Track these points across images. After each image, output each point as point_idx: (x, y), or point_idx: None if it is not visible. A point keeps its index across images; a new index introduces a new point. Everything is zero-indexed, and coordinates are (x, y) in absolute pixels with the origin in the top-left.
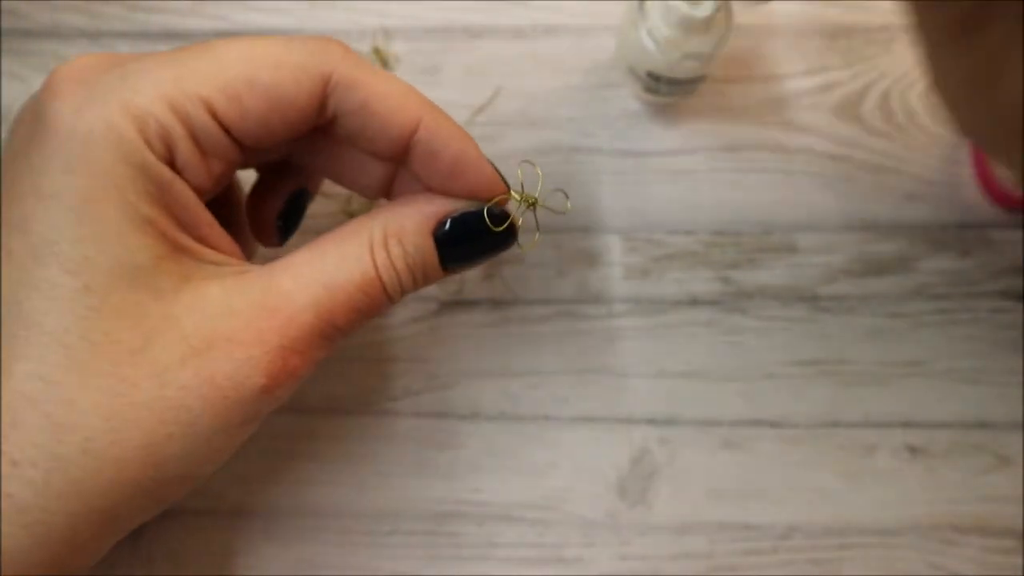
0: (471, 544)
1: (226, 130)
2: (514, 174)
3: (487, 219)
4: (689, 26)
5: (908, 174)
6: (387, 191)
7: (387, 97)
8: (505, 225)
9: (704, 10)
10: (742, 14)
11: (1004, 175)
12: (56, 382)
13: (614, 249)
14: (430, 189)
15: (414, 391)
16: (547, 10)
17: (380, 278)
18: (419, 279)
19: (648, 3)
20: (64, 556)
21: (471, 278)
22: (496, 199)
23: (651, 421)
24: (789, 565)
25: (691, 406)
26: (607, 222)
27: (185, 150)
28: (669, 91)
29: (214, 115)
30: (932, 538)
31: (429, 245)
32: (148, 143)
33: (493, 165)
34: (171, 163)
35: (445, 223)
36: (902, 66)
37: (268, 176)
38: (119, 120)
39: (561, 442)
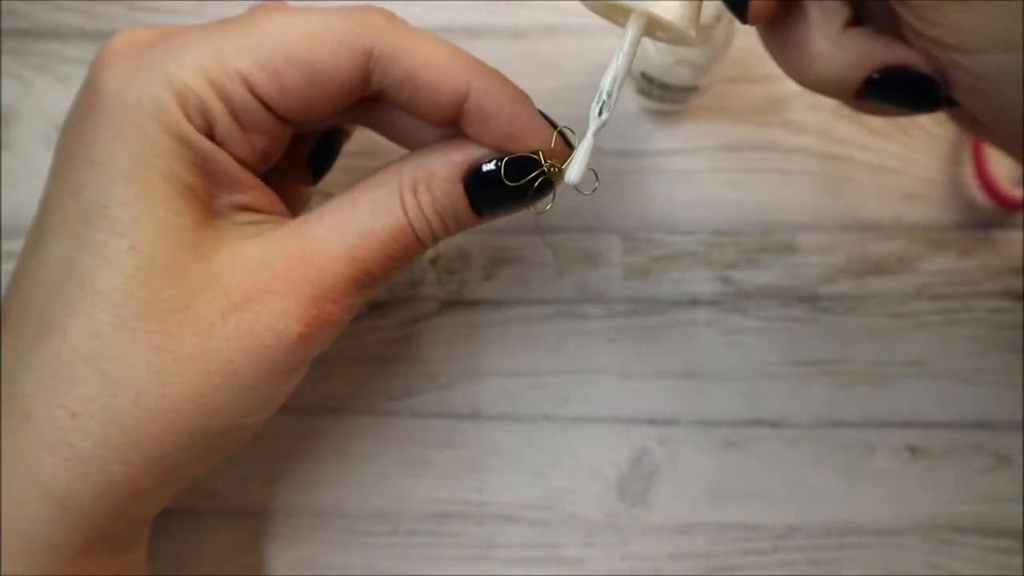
0: (471, 544)
1: (267, 106)
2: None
3: (506, 170)
4: None
5: (908, 174)
6: None
7: (432, 66)
8: (529, 179)
9: (703, 19)
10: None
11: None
12: (108, 339)
13: (614, 249)
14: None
15: (414, 391)
16: (547, 10)
17: (411, 225)
18: (451, 225)
19: None
20: (126, 505)
21: (471, 278)
22: (518, 152)
23: (651, 421)
24: (789, 565)
25: (691, 406)
26: (607, 222)
27: (225, 124)
28: (661, 96)
29: (253, 91)
30: (932, 538)
31: (459, 191)
32: (188, 117)
33: (549, 120)
34: (211, 136)
35: (479, 168)
36: None
37: None
38: (162, 94)
39: (561, 442)
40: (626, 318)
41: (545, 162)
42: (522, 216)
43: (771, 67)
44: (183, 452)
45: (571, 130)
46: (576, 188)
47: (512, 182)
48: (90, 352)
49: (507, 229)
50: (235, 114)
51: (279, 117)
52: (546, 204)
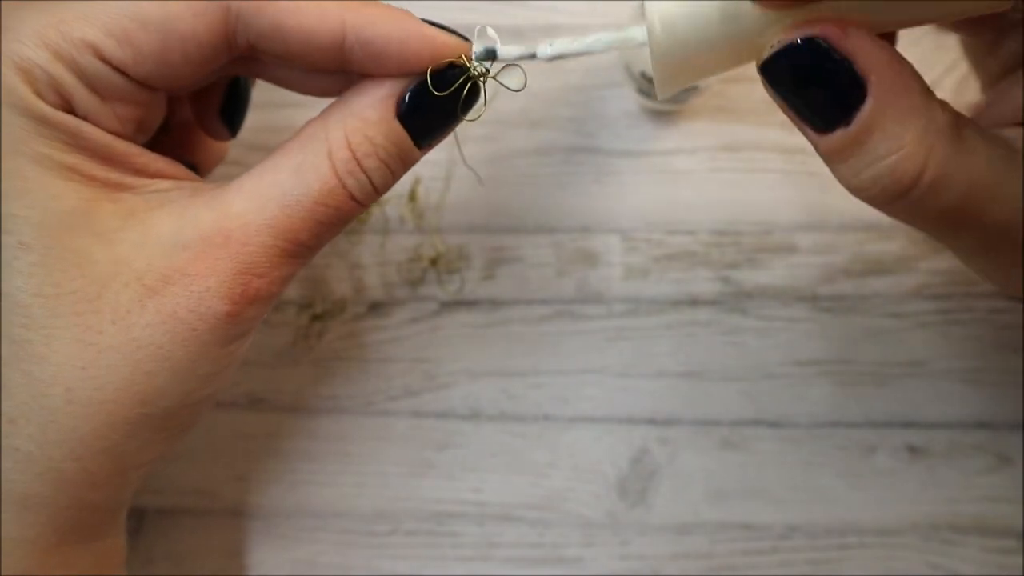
0: (471, 544)
1: (123, 72)
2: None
3: (432, 82)
4: None
5: None
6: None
7: (299, 11)
8: (458, 86)
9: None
10: None
11: None
12: (24, 340)
13: (614, 249)
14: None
15: (414, 391)
16: (547, 10)
17: (343, 185)
18: (397, 169)
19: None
20: (87, 496)
21: (471, 278)
22: (439, 65)
23: (651, 421)
24: (789, 565)
25: (691, 406)
26: (607, 222)
27: (82, 96)
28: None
29: (104, 59)
30: (932, 538)
31: (398, 129)
32: (39, 94)
33: (443, 26)
34: (71, 110)
35: (409, 96)
36: None
37: None
38: (7, 74)
39: (561, 442)
40: (626, 318)
41: (468, 63)
42: (522, 216)
43: None
44: (129, 440)
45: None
46: (505, 85)
47: (441, 91)
48: (11, 357)
49: (507, 229)
50: (90, 84)
51: (141, 83)
52: (479, 110)
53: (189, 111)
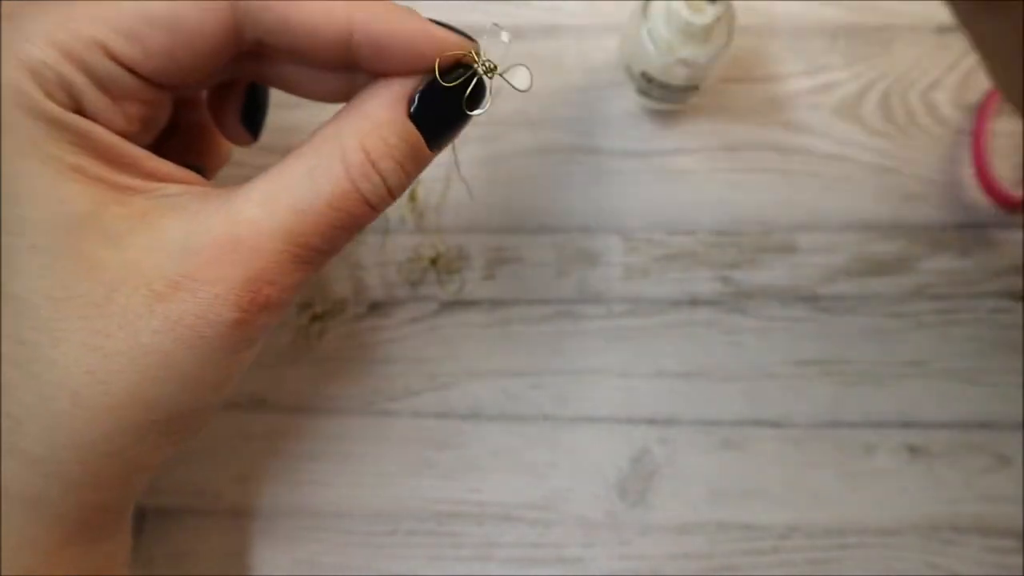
0: (471, 544)
1: (132, 71)
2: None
3: (442, 80)
4: (688, 32)
5: (908, 174)
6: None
7: (305, 8)
8: (465, 79)
9: (705, 18)
10: (743, 16)
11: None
12: (33, 343)
13: (614, 249)
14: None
15: (414, 391)
16: (547, 10)
17: (357, 189)
18: (411, 170)
19: (653, 3)
20: (93, 498)
21: (471, 278)
22: (446, 60)
23: (651, 421)
24: (789, 565)
25: (691, 406)
26: (607, 222)
27: (92, 96)
28: (660, 96)
29: (113, 57)
30: (932, 538)
31: (411, 128)
32: (49, 94)
33: (449, 25)
34: (80, 111)
35: (419, 95)
36: (902, 66)
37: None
38: (16, 74)
39: (561, 442)
40: (626, 318)
41: (475, 59)
42: (522, 216)
43: (771, 67)
44: (136, 444)
45: (499, 26)
46: (511, 83)
47: (449, 83)
48: (21, 358)
49: (507, 229)
50: (100, 84)
51: (149, 81)
52: (486, 104)
53: (203, 115)
